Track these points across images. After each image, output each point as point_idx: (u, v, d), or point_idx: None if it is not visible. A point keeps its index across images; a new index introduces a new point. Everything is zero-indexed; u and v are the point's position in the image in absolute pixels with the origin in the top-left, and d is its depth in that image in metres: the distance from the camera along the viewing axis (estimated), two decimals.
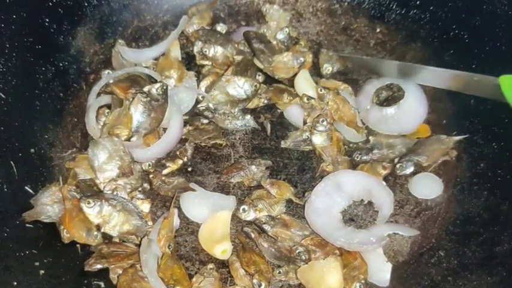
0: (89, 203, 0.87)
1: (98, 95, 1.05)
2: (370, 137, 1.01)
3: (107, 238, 0.90)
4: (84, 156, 0.96)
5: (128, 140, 0.97)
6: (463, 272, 0.85)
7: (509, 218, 0.86)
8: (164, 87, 0.98)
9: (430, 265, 0.89)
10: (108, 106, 1.04)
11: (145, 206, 0.94)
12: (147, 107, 0.97)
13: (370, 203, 0.96)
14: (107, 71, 1.09)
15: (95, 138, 0.99)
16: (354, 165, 1.00)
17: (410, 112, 1.01)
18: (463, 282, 0.83)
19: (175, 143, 1.01)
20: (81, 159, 0.96)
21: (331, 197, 0.93)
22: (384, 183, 0.96)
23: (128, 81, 1.03)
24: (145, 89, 0.97)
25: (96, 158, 0.93)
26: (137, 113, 0.97)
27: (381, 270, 0.88)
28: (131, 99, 0.97)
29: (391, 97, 1.04)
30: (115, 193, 0.93)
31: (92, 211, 0.87)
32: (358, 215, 0.96)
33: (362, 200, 0.96)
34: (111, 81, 1.04)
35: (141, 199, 0.94)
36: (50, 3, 1.00)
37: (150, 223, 0.92)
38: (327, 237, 0.89)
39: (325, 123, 0.98)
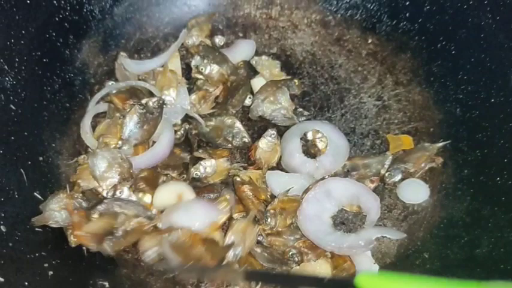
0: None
1: (98, 102, 1.09)
2: (346, 162, 1.04)
3: None
4: (84, 167, 1.00)
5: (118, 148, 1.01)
6: (445, 273, 0.89)
7: (490, 222, 0.90)
8: (161, 102, 1.03)
9: (415, 266, 0.93)
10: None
11: (147, 197, 0.98)
12: (141, 118, 1.01)
13: (358, 208, 1.00)
14: (110, 82, 1.13)
15: (86, 143, 1.04)
16: None
17: (339, 151, 1.04)
18: None
19: (162, 158, 1.03)
20: (82, 170, 1.00)
21: (321, 204, 0.97)
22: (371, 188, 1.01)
23: (128, 93, 1.08)
24: (143, 101, 1.02)
25: (97, 168, 0.97)
26: (131, 123, 1.01)
27: (368, 270, 0.92)
28: (128, 109, 1.02)
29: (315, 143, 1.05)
30: (117, 194, 0.97)
31: None
32: (348, 219, 1.01)
33: (351, 206, 1.00)
34: (114, 91, 1.09)
35: (142, 192, 0.98)
36: (57, 18, 1.04)
37: (154, 211, 0.97)
38: (318, 243, 0.93)
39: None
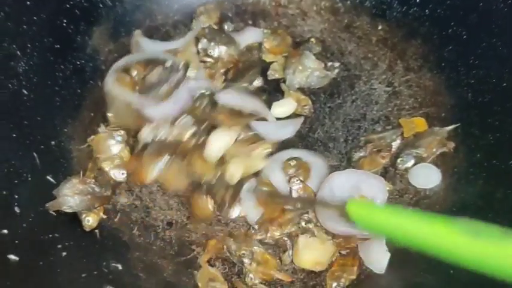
0: None
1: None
2: (362, 138, 1.06)
3: None
4: (99, 137, 1.02)
5: None
6: None
7: (503, 205, 0.90)
8: (186, 65, 1.04)
9: None
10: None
11: None
12: (163, 76, 1.03)
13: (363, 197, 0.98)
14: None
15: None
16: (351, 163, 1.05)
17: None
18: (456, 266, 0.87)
19: (184, 105, 1.02)
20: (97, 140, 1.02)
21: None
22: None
23: (147, 61, 1.09)
24: (168, 62, 1.04)
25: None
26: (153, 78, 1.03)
27: (380, 258, 0.92)
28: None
29: None
30: None
31: None
32: None
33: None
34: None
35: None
36: (68, 5, 1.05)
37: None
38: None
39: None
